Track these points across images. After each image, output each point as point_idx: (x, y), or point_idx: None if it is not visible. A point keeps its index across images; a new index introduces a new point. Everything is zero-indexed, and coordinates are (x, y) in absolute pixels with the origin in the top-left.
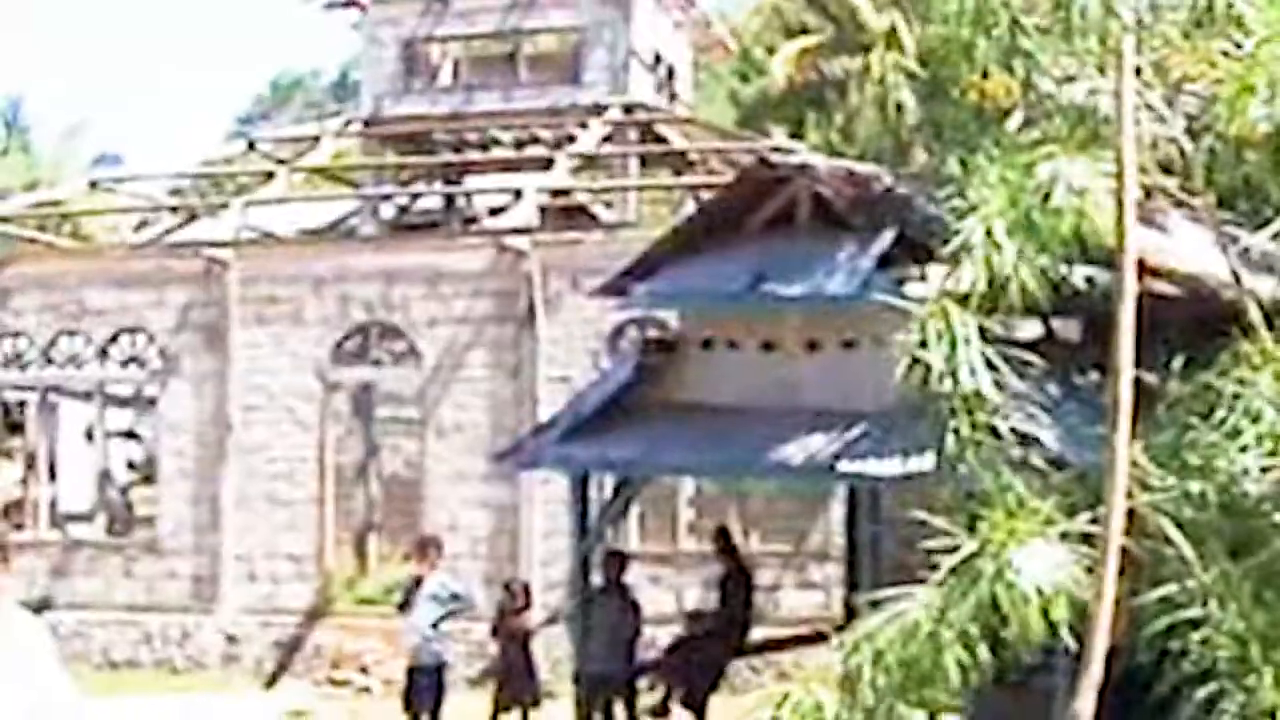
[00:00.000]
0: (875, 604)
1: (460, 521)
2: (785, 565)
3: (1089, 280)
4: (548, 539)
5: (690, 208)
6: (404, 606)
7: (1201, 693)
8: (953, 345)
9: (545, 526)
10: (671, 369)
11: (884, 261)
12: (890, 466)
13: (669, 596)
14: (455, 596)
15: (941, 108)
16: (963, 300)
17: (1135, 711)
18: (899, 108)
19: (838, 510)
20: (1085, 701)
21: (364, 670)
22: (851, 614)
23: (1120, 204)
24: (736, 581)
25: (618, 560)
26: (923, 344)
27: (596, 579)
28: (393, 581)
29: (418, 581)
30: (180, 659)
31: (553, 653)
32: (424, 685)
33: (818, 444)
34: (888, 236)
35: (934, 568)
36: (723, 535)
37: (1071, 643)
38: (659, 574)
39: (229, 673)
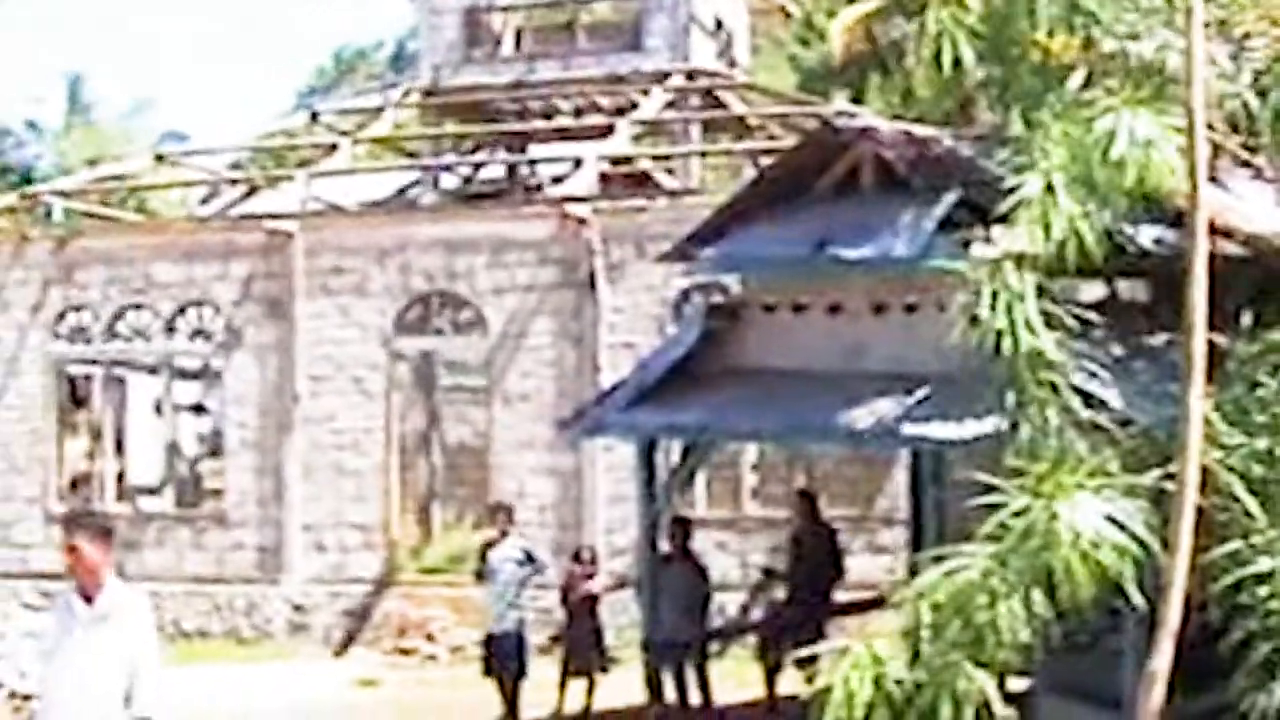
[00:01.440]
0: (937, 559)
1: (526, 489)
2: (853, 529)
3: (1156, 241)
4: (613, 506)
5: (752, 173)
6: (480, 575)
7: (1266, 647)
8: (1013, 306)
9: (610, 493)
10: (735, 334)
11: (947, 223)
12: (955, 430)
13: (734, 562)
14: (530, 559)
15: (1003, 67)
16: (1024, 261)
17: (1206, 667)
18: (958, 63)
19: (903, 474)
20: (1161, 658)
21: (430, 638)
22: (916, 577)
23: (1191, 161)
24: (815, 543)
25: (683, 526)
26: (987, 305)
27: (663, 545)
28: (459, 549)
29: (488, 547)
30: (248, 629)
31: (619, 619)
32: (505, 652)
33: (882, 408)
34: (950, 198)
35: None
36: (804, 497)
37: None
38: (724, 539)
39: (297, 642)
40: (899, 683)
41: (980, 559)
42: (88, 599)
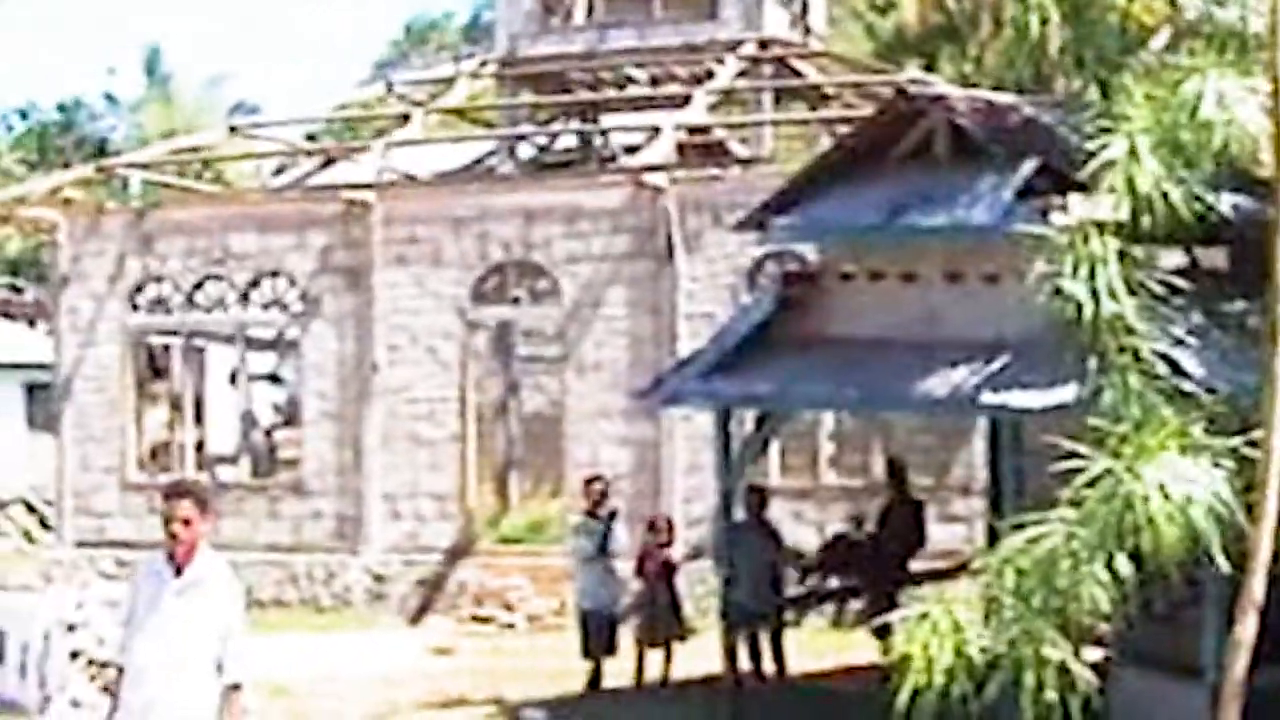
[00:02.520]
0: (1018, 527)
1: (601, 459)
2: (928, 498)
3: (1236, 208)
4: (689, 475)
5: (826, 142)
6: (603, 550)
7: None
8: (1094, 273)
9: (686, 462)
10: (812, 302)
11: (1024, 191)
12: (1034, 398)
13: (810, 531)
14: (608, 529)
15: (1083, 32)
16: (1105, 228)
17: None
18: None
19: (980, 443)
20: (1244, 628)
21: (507, 607)
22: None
23: (1275, 126)
24: (903, 513)
25: (759, 495)
26: (1067, 272)
27: (739, 514)
28: (537, 518)
29: (590, 520)
30: (326, 598)
31: (696, 588)
32: (598, 628)
33: (960, 376)
34: (1028, 166)
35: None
36: (894, 466)
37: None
38: (800, 509)
39: (374, 611)
40: (982, 650)
41: (1062, 524)
42: (177, 568)
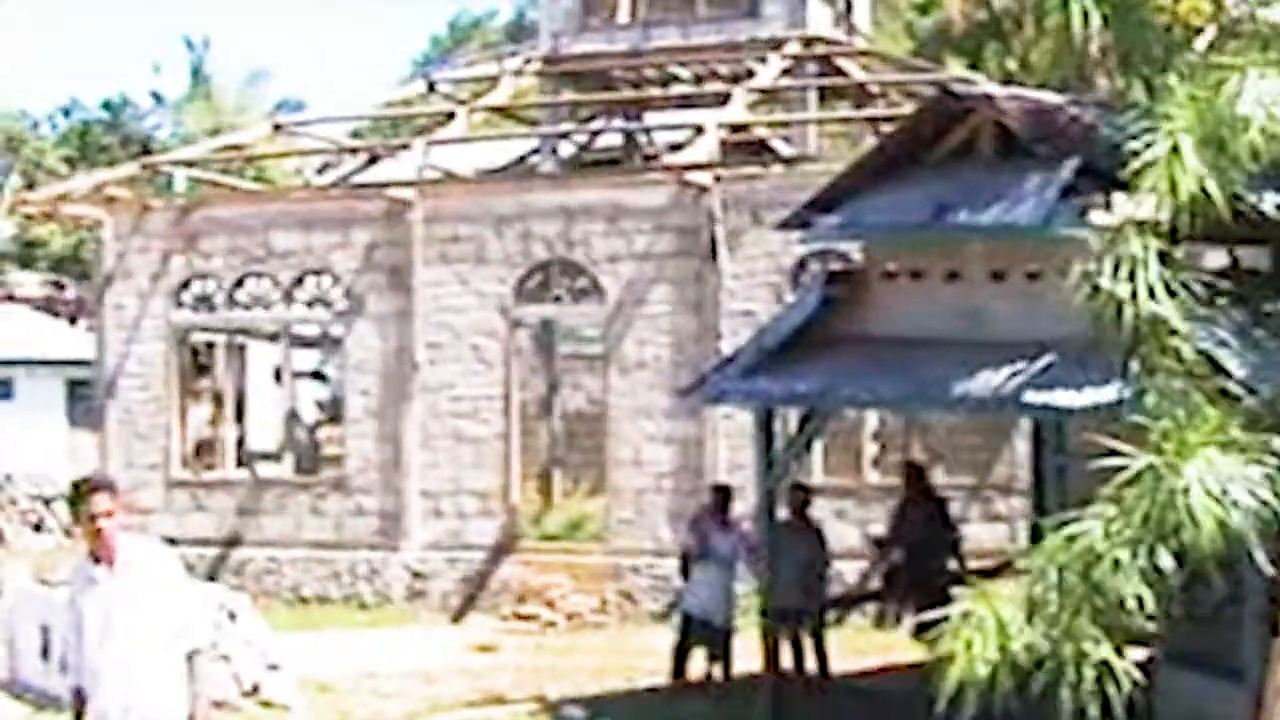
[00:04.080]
0: (1061, 525)
1: (643, 457)
2: (970, 498)
3: (1278, 207)
4: (731, 474)
5: (870, 140)
6: (698, 555)
7: None
8: (1135, 272)
9: (729, 461)
10: (855, 301)
11: (1068, 190)
12: (1077, 397)
13: (853, 530)
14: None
15: (1127, 32)
16: (1147, 228)
17: None
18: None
19: (1022, 443)
20: None
21: (550, 605)
22: (1038, 545)
23: None
24: (924, 513)
25: (803, 494)
26: (1108, 271)
27: (782, 513)
28: (578, 516)
29: (698, 524)
30: (368, 594)
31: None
32: (697, 638)
33: (1003, 375)
34: (1071, 165)
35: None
36: (910, 467)
37: (1264, 563)
38: (843, 508)
39: (416, 608)
40: (1025, 648)
41: (1103, 521)
42: (107, 562)
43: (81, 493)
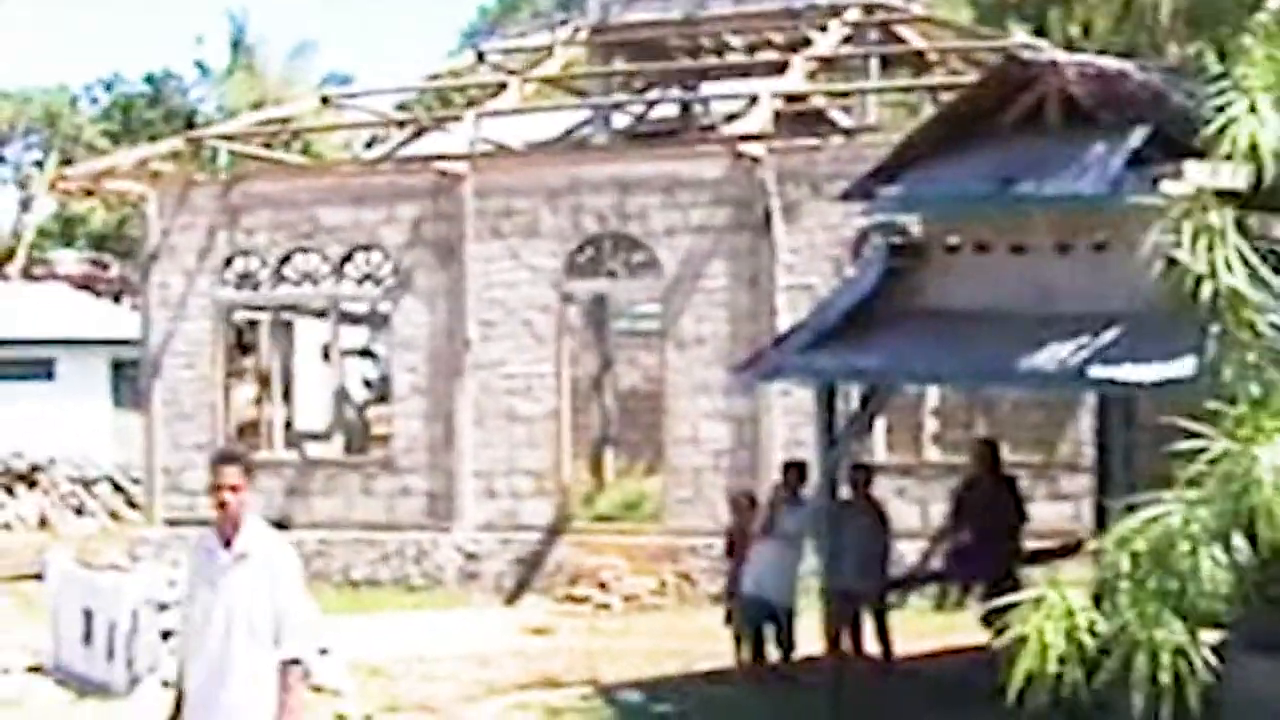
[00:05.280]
0: (1131, 508)
1: (700, 435)
2: (1034, 476)
3: None
4: (790, 452)
5: (931, 109)
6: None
7: None
8: (1211, 243)
9: (787, 439)
10: (917, 274)
11: (1136, 159)
12: (1146, 372)
13: (914, 509)
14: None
15: None
16: (1221, 196)
17: None
18: None
19: (1088, 419)
20: None
21: (603, 587)
22: (1104, 525)
23: None
24: (994, 492)
25: (864, 473)
26: (1179, 243)
27: (843, 492)
28: (633, 496)
29: (776, 505)
30: (419, 577)
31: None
32: (753, 618)
33: (1069, 350)
34: (1140, 133)
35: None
36: (984, 445)
37: None
38: (903, 486)
39: (468, 590)
40: (1094, 634)
41: (1179, 505)
42: (226, 542)
43: (213, 463)
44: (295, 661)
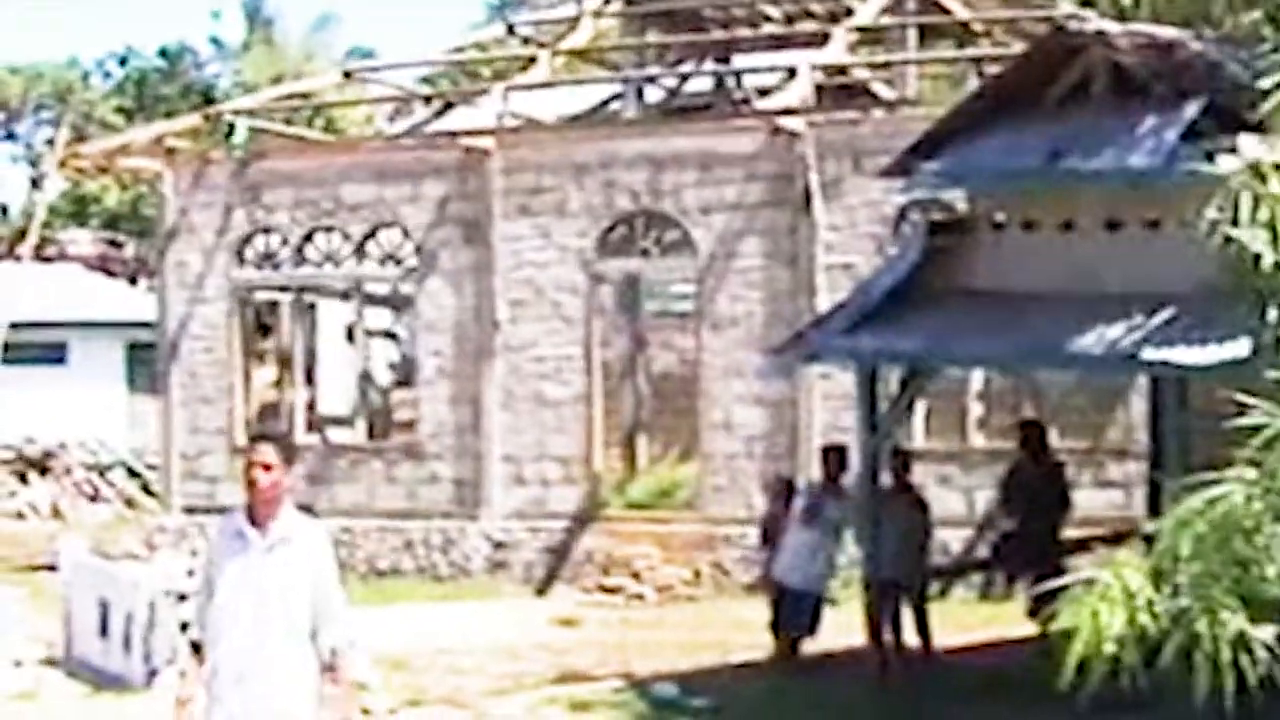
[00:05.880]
0: (1192, 489)
1: (735, 419)
2: (1082, 463)
3: None
4: (828, 437)
5: (975, 82)
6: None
7: None
8: (1272, 221)
9: (826, 423)
10: (961, 253)
11: (1190, 132)
12: (1200, 354)
13: (958, 497)
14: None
15: None
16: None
17: None
18: None
19: (1139, 403)
20: None
21: (636, 577)
22: (1158, 512)
23: None
24: (1041, 478)
25: (904, 458)
26: (1234, 220)
27: (884, 479)
28: (666, 483)
29: (824, 490)
30: (445, 566)
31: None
32: (792, 609)
33: (1120, 331)
34: (1194, 105)
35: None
36: (1030, 428)
37: None
38: (947, 473)
39: (495, 580)
40: (1154, 616)
41: (1240, 485)
42: (257, 525)
43: (249, 443)
44: (338, 653)
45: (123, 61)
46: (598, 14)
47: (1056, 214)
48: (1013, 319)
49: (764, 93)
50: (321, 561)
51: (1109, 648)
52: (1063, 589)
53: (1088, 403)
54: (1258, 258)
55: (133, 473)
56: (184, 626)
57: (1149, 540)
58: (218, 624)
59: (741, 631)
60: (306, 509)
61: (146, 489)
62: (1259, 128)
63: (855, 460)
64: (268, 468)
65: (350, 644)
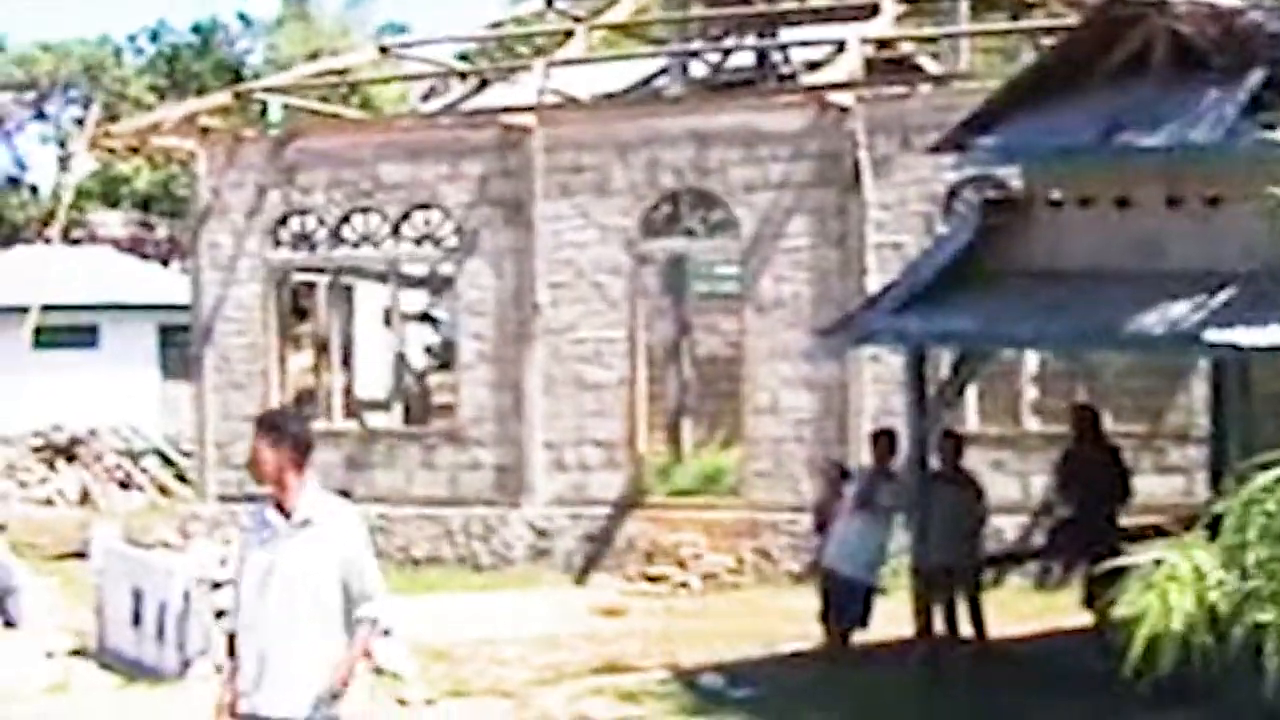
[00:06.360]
0: (1263, 467)
1: (782, 403)
2: (1141, 448)
3: None
4: (878, 421)
5: (1030, 55)
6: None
7: None
8: None
9: (875, 407)
10: (1014, 232)
11: (1253, 105)
12: (1265, 335)
13: (1012, 482)
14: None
15: None
16: None
17: None
18: None
19: (1200, 386)
20: None
21: (681, 565)
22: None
23: None
24: (1096, 463)
25: (955, 443)
26: None
27: (935, 464)
28: (711, 469)
29: (877, 474)
30: (485, 554)
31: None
32: (843, 599)
33: (1180, 311)
34: (1256, 77)
35: None
36: (1083, 411)
37: None
38: (1000, 458)
39: (537, 568)
40: (1226, 596)
41: None
42: (284, 510)
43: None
44: (360, 621)
45: (154, 37)
46: None
47: (1114, 190)
48: (1069, 299)
49: (811, 67)
50: (350, 542)
51: (1177, 627)
52: (1122, 571)
53: (1148, 385)
54: None
55: (166, 460)
56: (219, 615)
57: (1213, 526)
58: (248, 612)
59: (789, 621)
60: (343, 494)
61: (180, 476)
62: None
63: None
64: (258, 452)
65: (375, 620)
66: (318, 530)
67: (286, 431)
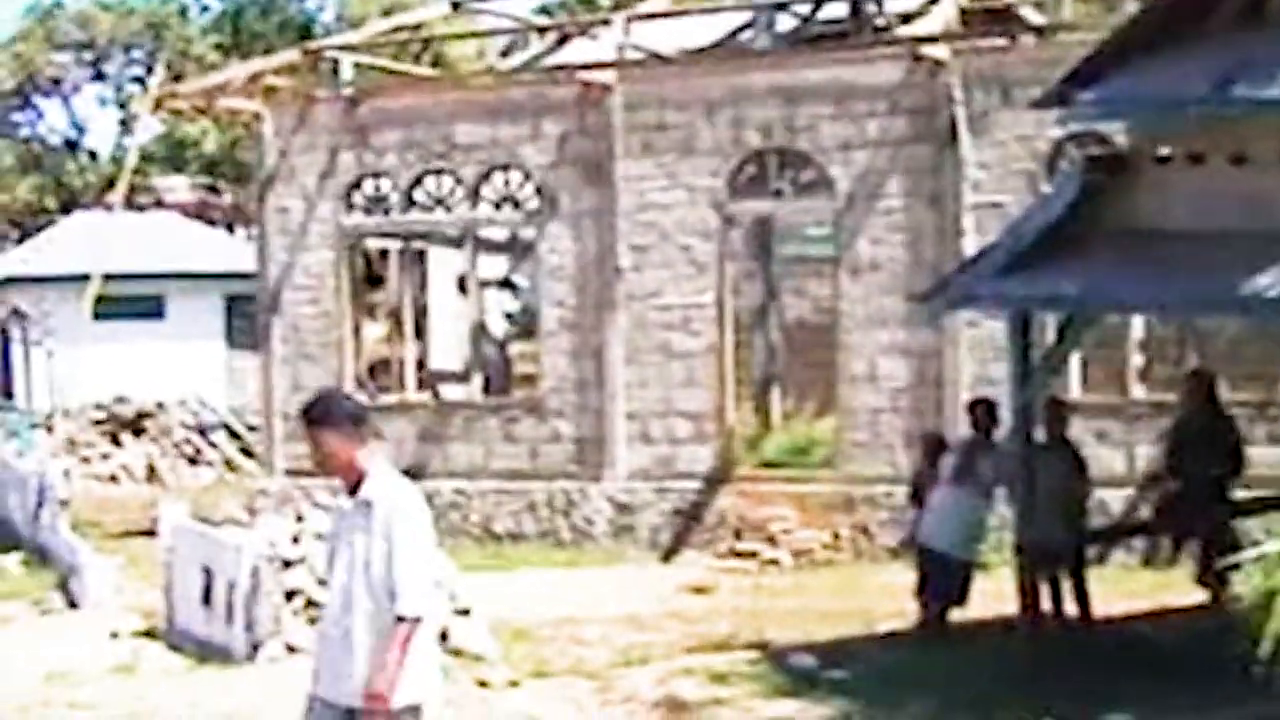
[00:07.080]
0: None
1: (878, 371)
2: (1255, 417)
3: None
4: (977, 389)
5: (1134, 4)
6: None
7: None
8: None
9: (974, 375)
10: (1121, 190)
11: None
12: None
13: (1118, 454)
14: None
15: None
16: None
17: None
18: None
19: None
20: None
21: (771, 540)
22: None
23: None
24: (1211, 433)
25: (1060, 412)
26: None
27: (1038, 434)
28: (802, 440)
29: (974, 448)
30: (567, 530)
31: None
32: (940, 575)
33: None
34: None
35: None
36: (1198, 378)
37: None
38: (1105, 428)
39: (621, 544)
40: None
41: None
42: (352, 492)
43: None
44: (403, 619)
45: None
46: None
47: (1227, 146)
48: (1179, 261)
49: (905, 19)
50: (399, 523)
51: None
52: (1236, 547)
53: (1262, 351)
54: None
55: (232, 433)
56: (290, 595)
57: None
58: (329, 593)
59: (885, 599)
60: (416, 471)
61: (246, 450)
62: None
63: (1006, 415)
64: (311, 446)
65: (418, 619)
66: (379, 511)
67: (330, 414)
